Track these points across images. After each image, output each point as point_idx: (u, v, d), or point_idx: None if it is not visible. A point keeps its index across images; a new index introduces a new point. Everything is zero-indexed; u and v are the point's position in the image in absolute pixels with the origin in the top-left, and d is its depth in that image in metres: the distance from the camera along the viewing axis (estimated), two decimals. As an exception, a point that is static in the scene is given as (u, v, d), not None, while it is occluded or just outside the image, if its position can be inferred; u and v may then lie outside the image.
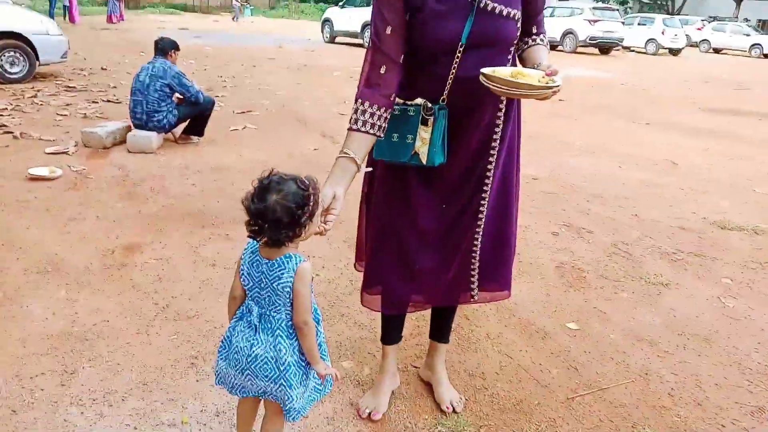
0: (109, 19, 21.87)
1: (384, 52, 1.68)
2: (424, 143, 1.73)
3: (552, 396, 2.24)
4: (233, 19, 30.37)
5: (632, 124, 8.30)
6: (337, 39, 19.74)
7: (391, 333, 2.14)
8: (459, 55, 1.66)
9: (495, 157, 1.82)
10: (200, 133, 5.68)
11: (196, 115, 5.56)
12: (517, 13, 1.69)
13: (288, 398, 1.54)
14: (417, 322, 2.66)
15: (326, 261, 3.27)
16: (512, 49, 1.76)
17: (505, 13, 1.66)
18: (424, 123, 1.72)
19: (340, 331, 2.58)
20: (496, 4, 1.64)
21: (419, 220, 1.87)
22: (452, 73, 1.68)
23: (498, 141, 1.81)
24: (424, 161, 1.74)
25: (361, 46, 18.51)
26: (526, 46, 1.83)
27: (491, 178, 1.84)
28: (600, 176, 5.36)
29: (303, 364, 1.57)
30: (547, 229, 3.98)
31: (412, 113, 1.74)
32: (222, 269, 3.06)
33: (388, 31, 1.67)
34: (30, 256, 3.09)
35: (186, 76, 5.41)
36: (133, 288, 2.83)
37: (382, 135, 1.72)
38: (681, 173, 5.69)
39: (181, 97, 5.44)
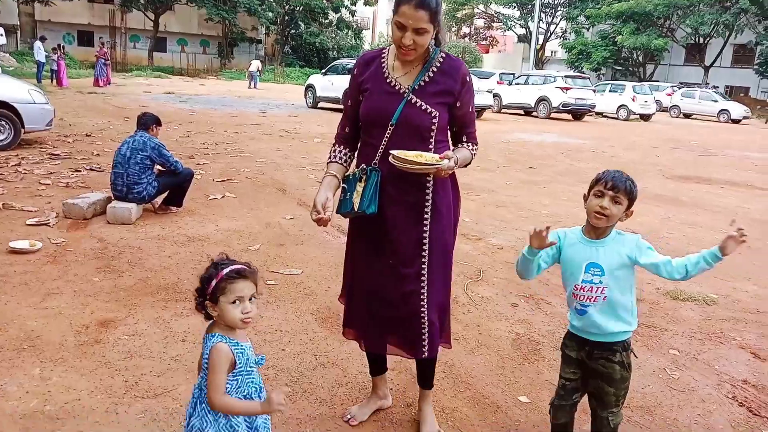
0: (96, 83, 22.37)
1: (347, 117, 2.43)
2: (358, 195, 2.27)
3: (499, 470, 2.38)
4: (249, 86, 29.19)
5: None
6: (320, 104, 20.31)
7: (373, 366, 2.64)
8: (389, 131, 2.24)
9: (429, 223, 2.30)
10: (179, 204, 5.87)
11: (175, 186, 5.77)
12: (434, 112, 2.24)
13: None
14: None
15: (292, 335, 3.42)
16: (430, 136, 2.27)
17: (424, 108, 2.24)
18: (360, 180, 2.29)
19: (302, 407, 2.71)
20: (420, 101, 2.24)
21: (370, 279, 2.36)
22: (383, 143, 2.25)
23: (430, 209, 2.29)
24: (356, 208, 2.25)
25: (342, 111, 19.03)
26: (455, 148, 2.39)
27: (428, 243, 2.30)
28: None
29: None
30: (507, 300, 4.18)
31: (355, 176, 2.32)
32: (191, 345, 3.19)
33: (349, 103, 2.41)
34: (7, 332, 3.21)
35: (165, 147, 5.65)
36: (105, 365, 2.95)
37: (348, 166, 2.44)
38: (641, 242, 5.95)
39: (162, 168, 5.67)
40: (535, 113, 23.11)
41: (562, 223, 6.52)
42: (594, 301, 2.14)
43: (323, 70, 21.35)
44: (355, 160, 2.45)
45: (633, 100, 25.94)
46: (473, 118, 2.41)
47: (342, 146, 2.44)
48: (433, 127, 2.26)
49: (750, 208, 8.25)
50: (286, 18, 44.27)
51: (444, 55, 2.29)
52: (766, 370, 3.38)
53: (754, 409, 2.95)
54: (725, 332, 3.87)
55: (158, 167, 5.67)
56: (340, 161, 2.41)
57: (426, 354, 2.36)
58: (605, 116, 26.70)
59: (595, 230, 2.15)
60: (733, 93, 41.19)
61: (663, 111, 31.54)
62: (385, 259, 2.31)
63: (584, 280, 2.14)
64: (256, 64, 30.75)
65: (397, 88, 2.26)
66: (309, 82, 21.00)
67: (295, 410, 2.67)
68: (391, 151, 2.14)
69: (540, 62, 46.35)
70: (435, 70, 2.26)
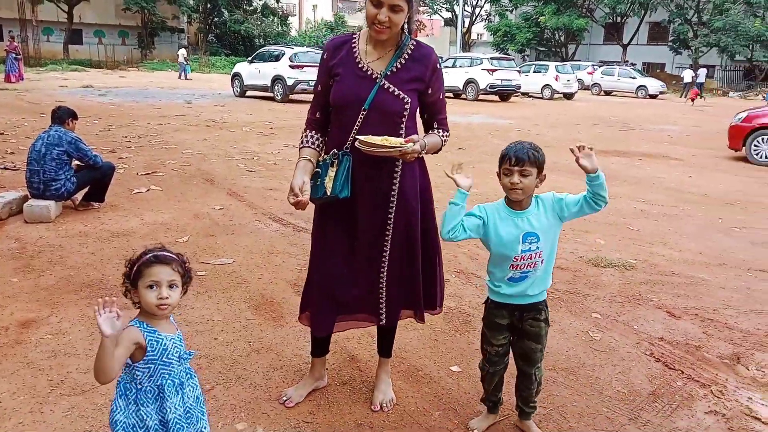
0: (8, 79, 21.07)
1: (318, 103, 2.42)
2: (330, 180, 2.29)
3: (433, 437, 2.45)
4: (180, 77, 28.30)
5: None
6: (248, 93, 19.93)
7: (318, 349, 2.69)
8: (362, 116, 2.27)
9: (394, 207, 2.36)
10: (101, 199, 5.66)
11: (95, 181, 5.55)
12: (406, 98, 2.29)
13: None
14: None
15: (225, 324, 3.38)
16: (402, 121, 2.32)
17: (396, 93, 2.28)
18: (332, 165, 2.31)
19: (236, 393, 2.70)
20: (392, 87, 2.28)
21: (336, 257, 2.41)
22: (355, 128, 2.26)
23: (396, 194, 2.36)
24: (329, 193, 2.28)
25: (272, 99, 18.77)
26: (425, 134, 2.45)
27: (392, 226, 2.37)
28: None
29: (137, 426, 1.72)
30: (439, 276, 4.26)
31: (326, 161, 2.34)
32: (120, 339, 3.11)
33: (319, 88, 2.41)
34: None
35: (83, 141, 5.43)
36: (27, 365, 2.84)
37: (321, 151, 2.42)
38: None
39: (80, 163, 5.44)
40: (463, 95, 23.47)
41: (490, 201, 6.68)
42: (534, 267, 2.26)
43: (249, 58, 20.93)
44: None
45: (556, 79, 26.74)
46: (444, 105, 2.50)
47: (313, 131, 2.44)
48: (405, 113, 2.31)
49: (665, 177, 8.71)
50: (209, 6, 42.98)
51: (415, 43, 2.35)
52: (680, 326, 3.61)
53: (669, 363, 3.15)
54: (643, 294, 4.10)
55: (76, 162, 5.44)
56: (312, 146, 2.42)
57: (384, 322, 2.48)
58: (531, 96, 27.43)
59: (519, 203, 2.24)
60: (649, 70, 43.08)
61: (585, 89, 32.67)
62: (352, 240, 2.40)
63: (523, 250, 2.24)
64: (182, 53, 29.79)
65: (369, 73, 2.30)
66: (235, 71, 20.58)
67: (230, 396, 2.66)
68: (357, 137, 2.21)
69: (467, 45, 46.94)
70: (407, 56, 2.32)
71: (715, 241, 5.45)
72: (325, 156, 2.37)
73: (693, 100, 27.70)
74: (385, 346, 2.72)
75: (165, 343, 1.73)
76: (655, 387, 2.91)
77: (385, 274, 2.43)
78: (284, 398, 2.63)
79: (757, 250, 5.21)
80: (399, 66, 2.31)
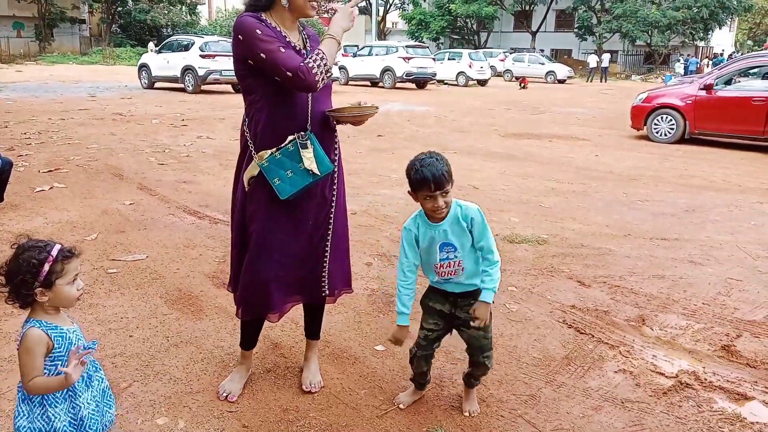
0: None
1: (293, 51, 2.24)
2: (311, 161, 2.24)
3: (359, 416, 2.47)
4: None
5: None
6: (157, 84, 19.18)
7: (250, 339, 2.63)
8: (311, 96, 2.28)
9: (337, 180, 2.46)
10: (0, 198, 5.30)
11: (-8, 180, 5.19)
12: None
13: None
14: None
15: (140, 321, 3.26)
16: (331, 91, 2.47)
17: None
18: (305, 147, 2.24)
19: (155, 389, 2.60)
20: None
21: (282, 235, 2.36)
22: (309, 105, 2.28)
23: (337, 166, 2.44)
24: (319, 173, 2.26)
25: (182, 90, 18.16)
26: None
27: (335, 200, 2.46)
28: (408, 205, 5.83)
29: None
30: (362, 260, 4.28)
31: (291, 148, 2.24)
32: (25, 343, 2.93)
33: (283, 48, 2.17)
34: None
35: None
36: None
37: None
38: (481, 195, 6.37)
39: (-27, 161, 5.07)
40: (381, 84, 23.57)
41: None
42: (454, 274, 2.27)
43: (157, 48, 20.13)
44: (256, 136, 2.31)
45: (470, 66, 27.35)
46: None
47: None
48: (332, 82, 2.44)
49: (574, 157, 9.11)
50: (112, -5, 41.01)
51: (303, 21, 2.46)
52: (590, 294, 3.80)
53: (581, 328, 3.31)
54: (555, 266, 4.28)
55: (-32, 160, 5.06)
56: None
57: (326, 293, 2.51)
58: (446, 83, 27.89)
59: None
60: (557, 56, 44.84)
61: (498, 76, 33.60)
62: (304, 223, 2.39)
63: (441, 259, 2.25)
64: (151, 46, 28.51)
65: (297, 49, 2.29)
66: (142, 62, 19.77)
67: (148, 392, 2.57)
68: (328, 111, 2.34)
69: (382, 34, 47.16)
70: (306, 35, 2.42)
71: (621, 214, 5.76)
72: (281, 146, 2.24)
73: (523, 84, 26.47)
74: (313, 329, 2.73)
75: (69, 337, 1.65)
76: (568, 351, 3.05)
77: (329, 249, 2.47)
78: (224, 394, 2.54)
79: (658, 221, 5.55)
80: (307, 42, 2.41)
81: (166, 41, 20.43)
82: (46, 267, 1.61)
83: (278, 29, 2.27)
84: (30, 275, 1.61)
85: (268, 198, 2.30)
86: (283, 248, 2.38)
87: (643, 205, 6.15)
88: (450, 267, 2.26)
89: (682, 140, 10.68)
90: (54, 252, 1.63)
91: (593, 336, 3.23)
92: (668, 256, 4.54)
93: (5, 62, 32.32)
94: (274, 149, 2.25)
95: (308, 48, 2.37)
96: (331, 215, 2.47)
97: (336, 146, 2.47)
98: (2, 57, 33.91)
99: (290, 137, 2.25)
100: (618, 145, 10.54)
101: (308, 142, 2.25)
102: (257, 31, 2.16)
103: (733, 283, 4.02)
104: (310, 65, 2.13)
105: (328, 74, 2.22)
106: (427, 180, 2.13)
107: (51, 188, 6.09)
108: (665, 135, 10.84)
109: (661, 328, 3.35)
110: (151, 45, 29.99)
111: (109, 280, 3.79)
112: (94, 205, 5.51)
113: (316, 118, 2.34)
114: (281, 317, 2.52)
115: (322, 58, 2.17)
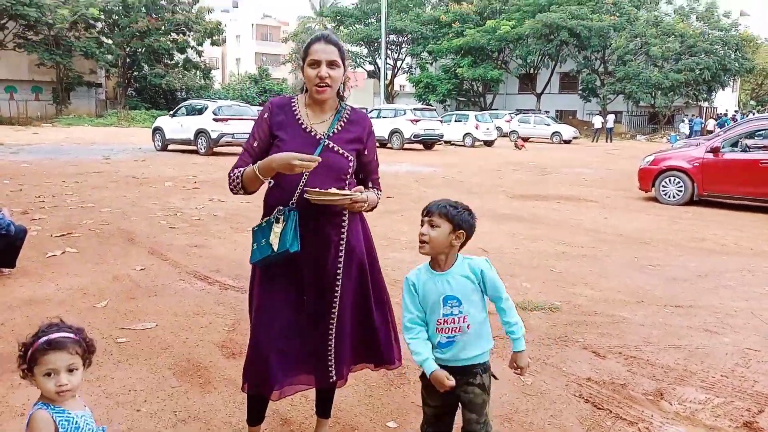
0: None
1: (251, 155, 2.40)
2: (276, 236, 2.28)
3: (371, 499, 2.39)
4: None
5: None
6: (170, 147, 19.56)
7: (256, 415, 2.57)
8: (307, 173, 2.29)
9: (343, 260, 2.41)
10: (11, 264, 5.32)
11: (5, 246, 5.23)
12: (350, 156, 2.40)
13: None
14: None
15: (148, 393, 3.21)
16: (346, 178, 2.40)
17: (341, 152, 2.39)
18: (277, 222, 2.30)
19: (161, 468, 2.55)
20: (336, 146, 2.38)
21: (283, 313, 2.36)
22: (301, 184, 2.30)
23: (344, 246, 2.41)
24: (276, 249, 2.26)
25: (195, 152, 18.50)
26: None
27: (341, 280, 2.41)
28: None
29: None
30: (371, 329, 4.23)
31: (272, 220, 2.32)
32: (31, 418, 2.89)
33: (255, 144, 2.42)
34: None
35: (-6, 206, 5.13)
36: None
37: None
38: (491, 259, 6.31)
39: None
40: (389, 145, 23.95)
41: (416, 248, 6.75)
42: (459, 331, 2.18)
43: (171, 112, 20.64)
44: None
45: (476, 128, 27.79)
46: (377, 166, 2.63)
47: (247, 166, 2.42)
48: (349, 170, 2.42)
49: (582, 219, 9.11)
50: (128, 60, 42.34)
51: (351, 108, 2.51)
52: (606, 365, 3.73)
53: (598, 403, 3.23)
54: (569, 335, 4.21)
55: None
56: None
57: (333, 378, 2.46)
58: (453, 144, 28.31)
59: (438, 262, 2.22)
60: (562, 117, 45.52)
61: (504, 136, 34.07)
62: (298, 298, 2.39)
63: (444, 314, 2.17)
64: None
65: (313, 134, 2.39)
66: (156, 125, 20.22)
67: (154, 473, 2.51)
68: (305, 189, 2.28)
69: (390, 96, 48.27)
70: (346, 120, 2.46)
71: (633, 279, 5.70)
72: (269, 217, 2.36)
73: (519, 147, 26.71)
74: (324, 407, 2.71)
75: (76, 421, 1.63)
76: (586, 428, 2.97)
77: (333, 331, 2.43)
78: None
79: (671, 286, 5.49)
80: (340, 128, 2.44)
81: (180, 105, 20.94)
82: (30, 352, 1.63)
83: (297, 113, 2.43)
84: (21, 357, 1.65)
85: (261, 268, 2.40)
86: (284, 317, 2.38)
87: (654, 270, 6.10)
88: (454, 323, 2.17)
89: (690, 202, 10.70)
90: (41, 339, 1.64)
91: (611, 411, 3.14)
92: (683, 324, 4.47)
93: (23, 125, 33.19)
94: (264, 219, 2.39)
95: (337, 128, 2.42)
96: (336, 292, 2.42)
97: (343, 226, 2.42)
98: (20, 120, 34.84)
99: (279, 208, 2.35)
100: (626, 207, 10.56)
101: (282, 217, 2.31)
102: (258, 118, 2.47)
103: (751, 354, 3.93)
104: (231, 176, 2.40)
105: (240, 191, 2.40)
106: (429, 205, 2.22)
107: (63, 253, 6.12)
108: (674, 197, 10.87)
109: (680, 402, 3.26)
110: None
111: (118, 350, 3.76)
112: (105, 271, 5.53)
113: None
114: (282, 397, 2.45)
115: (237, 177, 2.38)
